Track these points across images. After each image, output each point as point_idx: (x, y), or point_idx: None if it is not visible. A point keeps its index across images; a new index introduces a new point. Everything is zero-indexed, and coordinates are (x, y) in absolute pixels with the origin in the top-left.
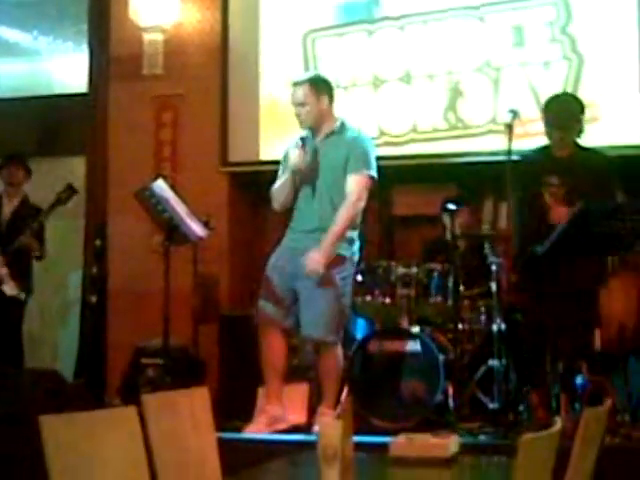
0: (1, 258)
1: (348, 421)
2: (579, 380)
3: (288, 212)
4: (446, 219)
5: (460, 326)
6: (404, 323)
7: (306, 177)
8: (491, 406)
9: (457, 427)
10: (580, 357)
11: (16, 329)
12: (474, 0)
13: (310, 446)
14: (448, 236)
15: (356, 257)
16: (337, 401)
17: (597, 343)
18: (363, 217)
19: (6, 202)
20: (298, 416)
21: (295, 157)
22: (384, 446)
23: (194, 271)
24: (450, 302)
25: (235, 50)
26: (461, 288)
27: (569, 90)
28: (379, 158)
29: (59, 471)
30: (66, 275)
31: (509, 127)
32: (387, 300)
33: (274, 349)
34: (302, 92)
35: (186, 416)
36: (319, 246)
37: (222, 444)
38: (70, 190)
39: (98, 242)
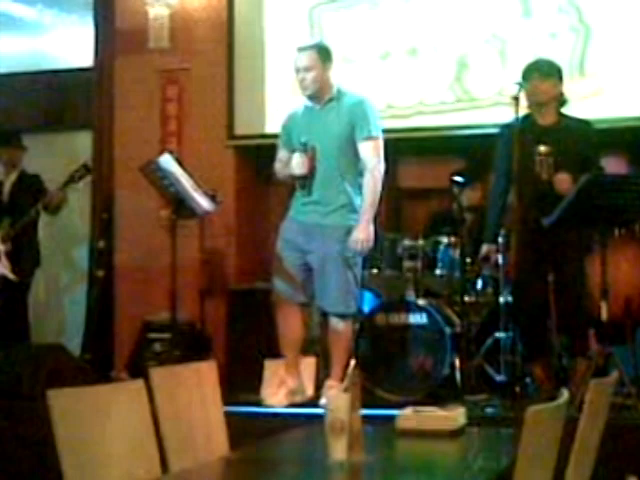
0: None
1: (355, 394)
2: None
3: (293, 184)
4: (455, 192)
5: (467, 298)
6: (411, 296)
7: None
8: (498, 378)
9: (464, 399)
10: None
11: (22, 304)
12: None
13: (318, 419)
14: (455, 209)
15: None
16: (345, 374)
17: (604, 314)
18: None
19: (5, 179)
20: (307, 389)
21: (299, 165)
22: (391, 419)
23: (201, 245)
24: (457, 274)
25: (241, 24)
26: (468, 260)
27: (576, 62)
28: (386, 131)
29: (67, 444)
30: (73, 249)
31: (516, 99)
32: (394, 273)
33: (290, 325)
34: (308, 57)
35: (193, 390)
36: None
37: (229, 417)
38: (85, 169)
39: (105, 216)
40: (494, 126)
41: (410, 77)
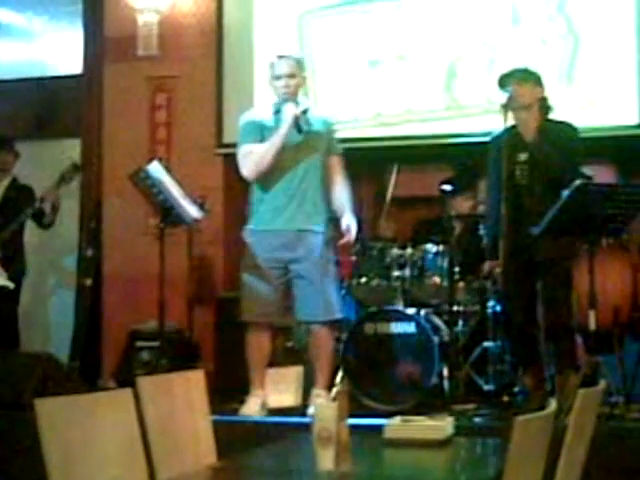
0: None
1: (343, 404)
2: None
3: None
4: (444, 200)
5: (455, 308)
6: (399, 305)
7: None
8: (486, 388)
9: (452, 409)
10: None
11: (11, 312)
12: None
13: (305, 428)
14: (444, 217)
15: None
16: (331, 382)
17: (592, 324)
18: (359, 197)
19: None
20: (293, 398)
21: (292, 108)
22: (379, 428)
23: (189, 253)
24: (445, 283)
25: (230, 31)
26: (456, 269)
27: (564, 70)
28: (374, 139)
29: (55, 453)
30: (61, 258)
31: (505, 107)
32: (382, 282)
33: (263, 346)
34: (291, 65)
35: (181, 398)
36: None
37: (217, 426)
38: (74, 168)
39: (93, 224)
40: (483, 134)
41: (399, 85)
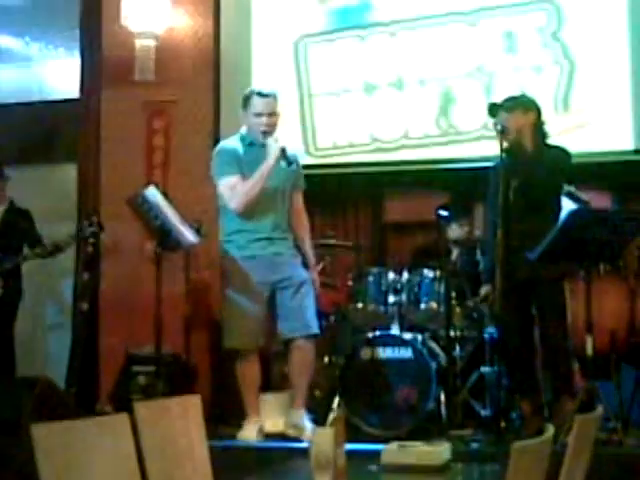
0: None
1: (340, 429)
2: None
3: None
4: (441, 226)
5: (452, 333)
6: (396, 330)
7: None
8: (483, 413)
9: (449, 434)
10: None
11: (7, 336)
12: (466, 6)
13: (303, 454)
14: (441, 243)
15: None
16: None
17: (589, 350)
18: (355, 222)
19: None
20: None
21: (277, 141)
22: (376, 454)
23: (186, 278)
24: (442, 309)
25: (227, 56)
26: (453, 294)
27: (560, 96)
28: (370, 164)
29: (51, 478)
30: (58, 282)
31: (502, 133)
32: (378, 307)
33: (254, 371)
34: (273, 104)
35: (178, 424)
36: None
37: (214, 451)
38: (70, 241)
39: (90, 249)
40: (479, 160)
41: (395, 110)
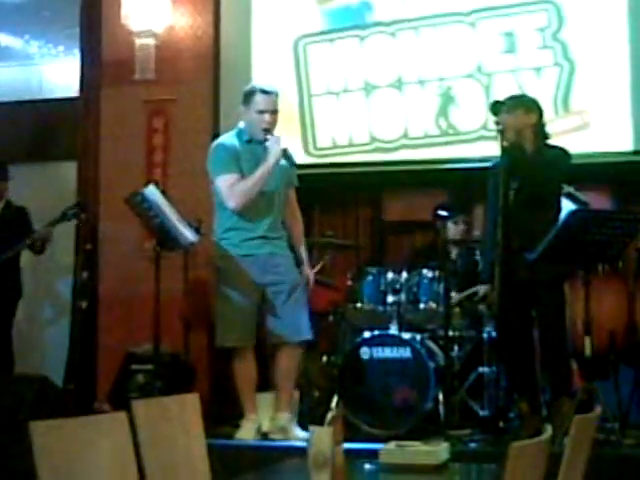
0: None
1: (338, 428)
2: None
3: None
4: (440, 225)
5: (450, 333)
6: (394, 330)
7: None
8: (481, 413)
9: (447, 434)
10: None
11: (6, 335)
12: (466, 6)
13: (301, 453)
14: (439, 243)
15: None
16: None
17: (588, 350)
18: (354, 222)
19: None
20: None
21: (277, 141)
22: (374, 453)
23: (185, 277)
24: (441, 308)
25: (227, 55)
26: (452, 294)
27: (561, 97)
28: (370, 164)
29: (48, 477)
30: (56, 280)
31: (501, 132)
32: (377, 307)
33: (250, 369)
34: (275, 101)
35: (176, 422)
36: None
37: (212, 450)
38: (78, 208)
39: (89, 247)
40: (479, 160)
41: (395, 110)
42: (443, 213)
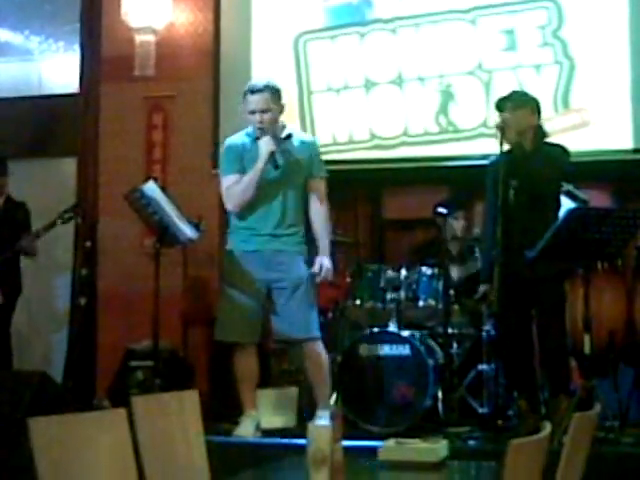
0: None
1: (337, 425)
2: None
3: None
4: (439, 222)
5: (450, 330)
6: (393, 327)
7: (267, 178)
8: (480, 411)
9: (446, 431)
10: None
11: (4, 331)
12: (466, 3)
13: (300, 450)
14: (439, 240)
15: None
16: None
17: (587, 348)
18: (354, 219)
19: None
20: (287, 420)
21: (268, 143)
22: (373, 450)
23: (184, 273)
24: (440, 306)
25: (227, 52)
26: (451, 292)
27: (561, 94)
28: (370, 161)
29: (47, 473)
30: (56, 277)
31: (501, 129)
32: (376, 304)
33: (251, 366)
34: (264, 100)
35: (175, 419)
36: (300, 250)
37: (211, 447)
38: (74, 210)
39: (88, 244)
40: (478, 157)
41: (395, 107)
42: (443, 210)
